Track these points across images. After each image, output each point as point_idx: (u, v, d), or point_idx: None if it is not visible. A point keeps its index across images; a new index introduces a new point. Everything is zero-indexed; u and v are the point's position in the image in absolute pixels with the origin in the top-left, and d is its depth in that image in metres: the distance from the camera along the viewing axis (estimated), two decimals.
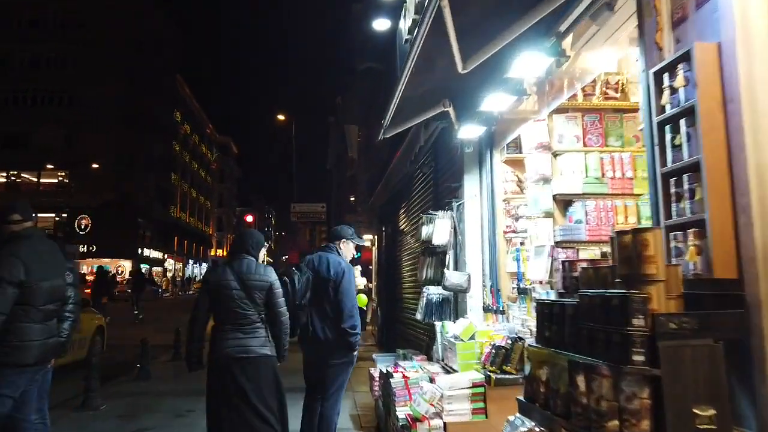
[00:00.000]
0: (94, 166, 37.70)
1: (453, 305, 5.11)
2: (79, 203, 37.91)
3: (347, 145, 17.03)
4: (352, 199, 34.79)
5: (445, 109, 4.46)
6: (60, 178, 39.92)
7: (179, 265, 53.56)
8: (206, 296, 3.85)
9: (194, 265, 58.14)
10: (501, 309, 4.53)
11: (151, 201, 43.88)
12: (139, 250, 42.39)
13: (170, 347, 10.41)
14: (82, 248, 38.17)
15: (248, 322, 3.75)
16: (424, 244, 5.64)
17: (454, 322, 4.76)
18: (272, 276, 3.89)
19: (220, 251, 71.40)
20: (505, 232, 4.98)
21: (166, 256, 48.94)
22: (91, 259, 39.73)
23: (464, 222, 5.24)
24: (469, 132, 4.81)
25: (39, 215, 40.62)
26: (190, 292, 42.99)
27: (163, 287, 42.07)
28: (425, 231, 5.51)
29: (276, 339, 3.85)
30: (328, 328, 4.18)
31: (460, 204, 5.35)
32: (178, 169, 52.29)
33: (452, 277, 4.90)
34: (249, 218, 25.47)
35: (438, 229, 5.19)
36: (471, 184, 5.38)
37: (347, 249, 4.49)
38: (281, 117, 31.41)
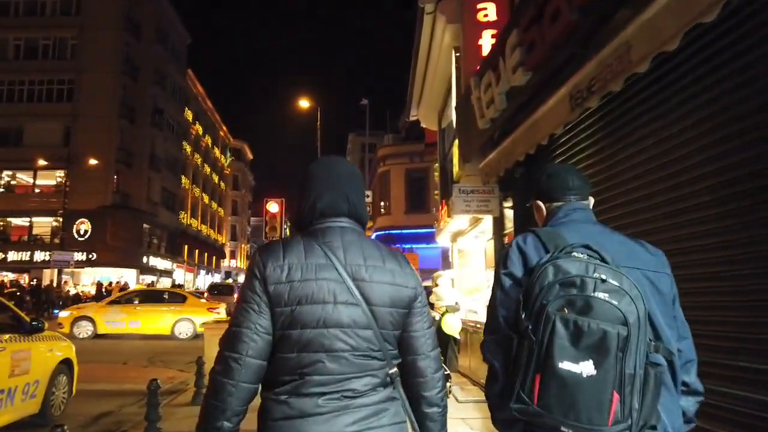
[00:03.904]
0: (93, 162, 33.48)
1: None
2: (78, 206, 33.60)
3: (408, 98, 12.25)
4: (382, 204, 30.89)
5: None
6: (58, 179, 35.71)
7: (190, 276, 49.23)
8: (265, 316, 1.34)
9: (206, 277, 53.82)
10: None
11: (157, 205, 39.73)
12: (145, 259, 38.14)
13: (141, 401, 5.86)
14: (81, 256, 33.71)
15: (367, 384, 1.36)
16: None
17: None
18: (415, 276, 1.48)
19: (233, 261, 67.05)
20: None
21: (175, 266, 44.64)
22: (90, 268, 35.47)
23: None
24: None
25: (33, 220, 36.89)
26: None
27: None
28: None
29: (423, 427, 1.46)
30: None
31: None
32: (189, 172, 48.23)
33: None
34: (274, 207, 20.82)
35: None
36: None
37: None
38: (305, 104, 26.98)
